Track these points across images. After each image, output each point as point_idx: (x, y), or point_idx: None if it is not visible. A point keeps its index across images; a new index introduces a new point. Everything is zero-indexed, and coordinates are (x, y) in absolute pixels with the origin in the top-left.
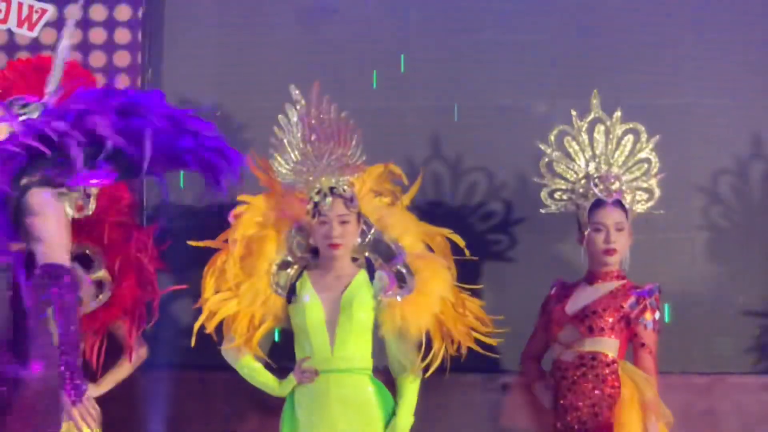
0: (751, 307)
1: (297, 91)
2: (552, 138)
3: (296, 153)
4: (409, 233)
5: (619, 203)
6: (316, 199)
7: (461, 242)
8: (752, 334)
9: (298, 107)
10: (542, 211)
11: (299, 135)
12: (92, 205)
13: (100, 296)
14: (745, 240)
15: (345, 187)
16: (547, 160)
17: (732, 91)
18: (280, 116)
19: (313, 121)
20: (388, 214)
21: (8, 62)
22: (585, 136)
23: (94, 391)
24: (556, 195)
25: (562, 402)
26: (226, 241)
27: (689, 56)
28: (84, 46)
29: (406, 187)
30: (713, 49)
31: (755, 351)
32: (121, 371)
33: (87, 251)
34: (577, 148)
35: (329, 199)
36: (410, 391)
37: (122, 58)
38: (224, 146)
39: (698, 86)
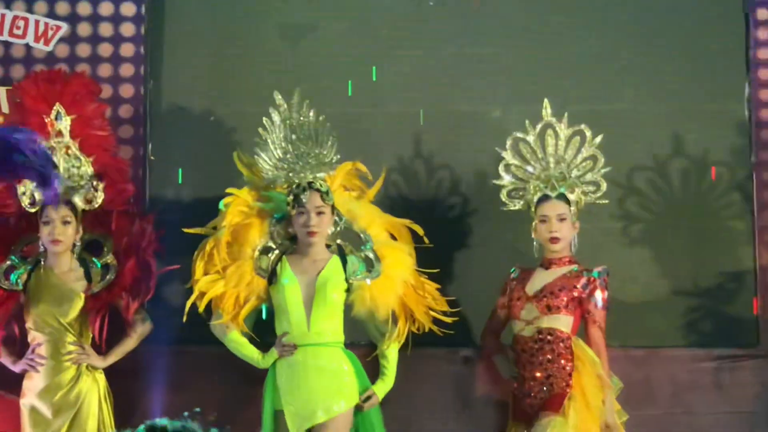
0: (680, 288)
1: (279, 97)
2: (508, 143)
3: (278, 152)
4: (374, 223)
5: (562, 197)
6: (296, 192)
7: (421, 231)
8: (682, 311)
9: (281, 110)
10: (503, 209)
11: (281, 136)
12: (100, 198)
13: (108, 277)
14: (674, 228)
15: (321, 183)
16: (504, 163)
17: (657, 98)
18: (264, 119)
19: (293, 124)
20: (356, 207)
21: (25, 76)
22: (537, 140)
23: (101, 363)
24: (513, 194)
25: (521, 372)
26: (215, 228)
27: (625, 68)
28: (93, 59)
29: (372, 183)
30: (643, 64)
31: (685, 327)
32: (125, 345)
33: (98, 238)
34: (530, 150)
35: (308, 193)
36: (392, 356)
37: (127, 70)
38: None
39: (632, 93)
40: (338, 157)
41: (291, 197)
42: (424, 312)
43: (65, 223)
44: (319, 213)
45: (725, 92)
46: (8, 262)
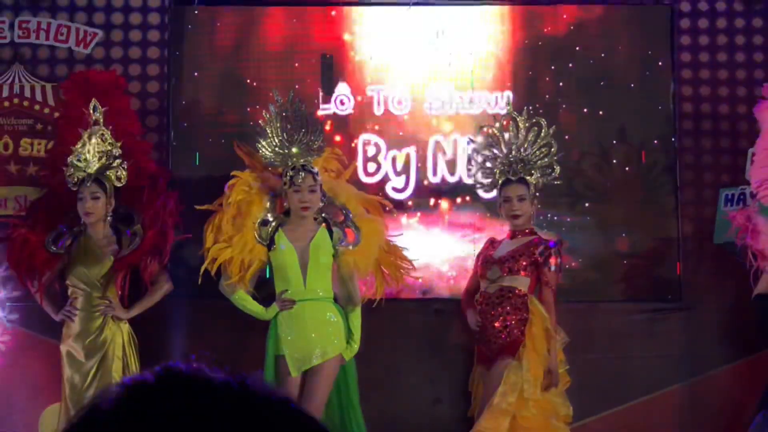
0: (617, 252)
1: (277, 93)
2: (478, 134)
3: (276, 139)
4: (352, 199)
5: (522, 180)
6: (291, 173)
7: (389, 205)
8: (618, 272)
9: (278, 104)
10: (478, 191)
11: (278, 125)
12: (124, 178)
13: (134, 243)
14: (613, 203)
15: (312, 165)
16: (477, 152)
17: (603, 98)
18: (264, 111)
19: (288, 115)
20: (336, 185)
21: (70, 74)
22: (502, 131)
23: (125, 314)
24: (484, 179)
25: (484, 322)
26: (221, 204)
27: (578, 78)
28: (124, 60)
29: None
30: (592, 73)
31: (620, 284)
32: (146, 301)
33: (131, 211)
34: (495, 140)
35: (302, 174)
36: (357, 316)
37: (152, 69)
38: None
39: (585, 97)
40: (324, 143)
41: (287, 177)
42: (396, 271)
43: (95, 198)
44: (311, 191)
45: (655, 89)
46: (58, 230)
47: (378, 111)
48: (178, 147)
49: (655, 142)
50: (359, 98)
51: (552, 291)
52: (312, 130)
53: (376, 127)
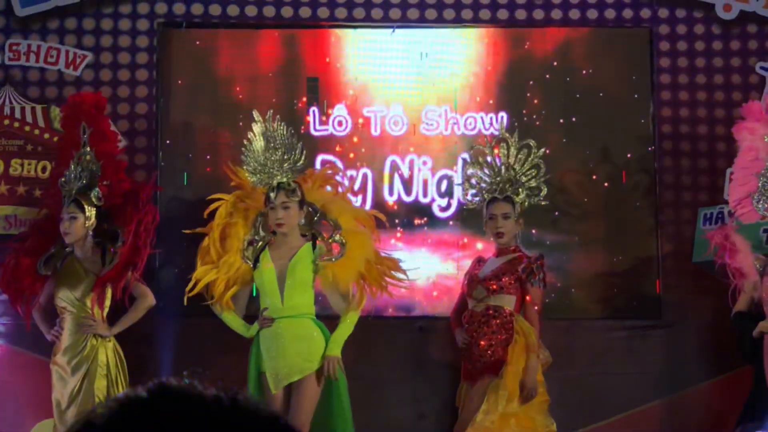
0: (598, 270)
1: (257, 114)
2: (470, 155)
3: (260, 159)
4: (343, 214)
5: (508, 198)
6: (268, 192)
7: (383, 218)
8: (599, 289)
9: (259, 125)
10: (465, 207)
11: (261, 146)
12: (103, 198)
13: (114, 260)
14: (596, 220)
15: (290, 183)
16: (468, 171)
17: (587, 120)
18: (249, 133)
19: (269, 136)
20: (330, 201)
21: (69, 97)
22: (494, 152)
23: (107, 332)
24: (473, 197)
25: (470, 340)
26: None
27: (563, 105)
28: (113, 82)
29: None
30: (577, 98)
31: (601, 302)
32: (128, 318)
33: (116, 228)
34: (487, 161)
35: (275, 192)
36: (348, 317)
37: (141, 91)
38: None
39: (568, 116)
40: (305, 163)
41: (265, 197)
42: (381, 282)
43: (72, 218)
44: (285, 208)
45: (635, 109)
46: (51, 251)
47: (375, 132)
48: (167, 167)
49: (636, 162)
50: (359, 120)
51: (536, 307)
52: (292, 149)
53: (363, 150)
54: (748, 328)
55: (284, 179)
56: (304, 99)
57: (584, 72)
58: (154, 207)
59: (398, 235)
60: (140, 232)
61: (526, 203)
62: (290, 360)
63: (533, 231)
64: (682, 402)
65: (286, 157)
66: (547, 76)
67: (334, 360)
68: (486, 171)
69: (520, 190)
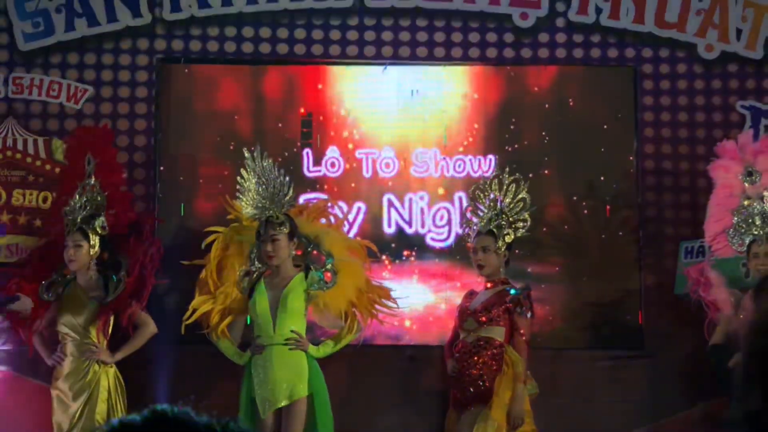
0: (582, 301)
1: (246, 151)
2: (470, 191)
3: (252, 194)
4: (336, 244)
5: (491, 232)
6: (258, 226)
7: (374, 248)
8: (583, 320)
9: (253, 165)
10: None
11: (253, 182)
12: (106, 224)
13: (117, 289)
14: (580, 253)
15: (279, 216)
16: (465, 207)
17: (572, 157)
18: (242, 170)
19: (258, 172)
20: (323, 233)
21: (76, 129)
22: (488, 188)
23: (110, 359)
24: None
25: (461, 369)
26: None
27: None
28: (113, 115)
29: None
30: (564, 135)
31: (585, 332)
32: (130, 345)
33: (119, 258)
34: (480, 197)
35: (264, 226)
36: (343, 339)
37: (140, 124)
38: None
39: (554, 151)
40: (293, 195)
41: (257, 231)
42: (371, 309)
43: (77, 246)
44: (274, 240)
45: (620, 146)
46: (53, 278)
47: (367, 174)
48: (165, 199)
49: (620, 196)
50: (352, 163)
51: (522, 336)
52: (279, 183)
53: (352, 184)
54: (724, 360)
55: (273, 213)
56: (299, 137)
57: (570, 109)
58: (158, 239)
59: (389, 267)
60: (146, 263)
61: (512, 236)
62: (278, 385)
63: (519, 264)
64: (662, 430)
65: (274, 191)
66: (535, 112)
67: (308, 347)
68: (482, 208)
69: (503, 223)
